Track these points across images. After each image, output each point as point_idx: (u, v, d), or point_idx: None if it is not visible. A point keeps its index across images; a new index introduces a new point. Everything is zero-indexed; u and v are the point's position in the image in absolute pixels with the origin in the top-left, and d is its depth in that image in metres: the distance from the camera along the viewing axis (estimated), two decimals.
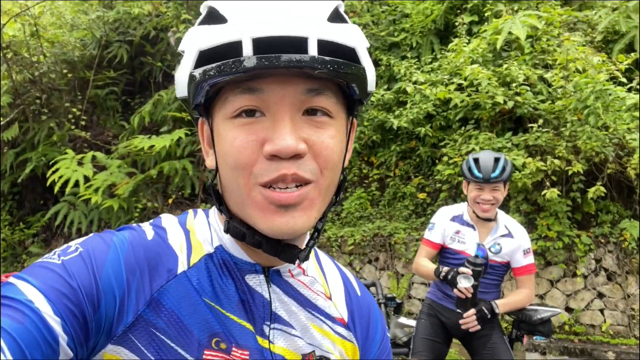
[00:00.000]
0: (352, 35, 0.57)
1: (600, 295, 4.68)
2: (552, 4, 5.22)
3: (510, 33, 4.84)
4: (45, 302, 0.49)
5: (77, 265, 0.53)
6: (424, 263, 2.54)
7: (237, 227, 0.59)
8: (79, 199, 6.54)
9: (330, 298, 0.70)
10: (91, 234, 0.60)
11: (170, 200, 6.54)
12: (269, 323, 0.62)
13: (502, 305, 2.34)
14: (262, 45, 0.52)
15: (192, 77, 0.55)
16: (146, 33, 7.29)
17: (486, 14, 5.38)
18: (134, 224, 0.64)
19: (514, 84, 4.67)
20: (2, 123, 6.70)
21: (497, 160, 2.38)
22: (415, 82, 5.39)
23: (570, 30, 5.12)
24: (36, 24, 7.01)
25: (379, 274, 5.60)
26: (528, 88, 4.68)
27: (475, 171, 2.38)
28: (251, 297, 0.62)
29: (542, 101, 4.70)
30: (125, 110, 7.79)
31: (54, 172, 6.43)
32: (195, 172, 6.44)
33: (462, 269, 2.22)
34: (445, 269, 2.32)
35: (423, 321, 2.58)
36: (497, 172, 2.35)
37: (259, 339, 0.61)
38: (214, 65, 0.53)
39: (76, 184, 6.35)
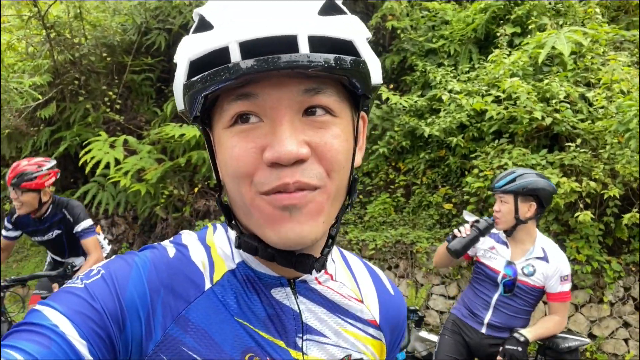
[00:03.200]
0: (348, 27, 0.53)
1: (626, 325, 4.53)
2: (599, 20, 5.06)
3: (553, 48, 4.71)
4: (70, 325, 0.50)
5: (100, 288, 0.53)
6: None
7: (248, 242, 0.58)
8: (108, 181, 6.67)
9: (362, 301, 0.68)
10: (114, 256, 0.59)
11: (195, 189, 6.61)
12: (301, 335, 0.61)
13: (530, 332, 2.29)
14: (251, 48, 0.49)
15: (185, 88, 0.54)
16: (185, 22, 7.37)
17: (530, 27, 5.25)
18: (156, 243, 0.62)
19: (553, 101, 4.55)
20: (40, 101, 6.87)
21: (513, 172, 2.41)
22: (450, 91, 5.30)
23: (616, 50, 4.95)
24: (80, 6, 7.16)
25: (398, 281, 5.55)
26: (568, 105, 4.56)
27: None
28: (281, 312, 0.60)
29: (582, 120, 4.57)
30: (159, 97, 7.91)
31: (86, 153, 6.58)
32: None
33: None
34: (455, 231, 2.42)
35: (446, 338, 2.54)
36: (502, 182, 2.39)
37: (293, 352, 0.60)
38: (204, 74, 0.51)
39: (107, 166, 6.48)
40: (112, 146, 6.67)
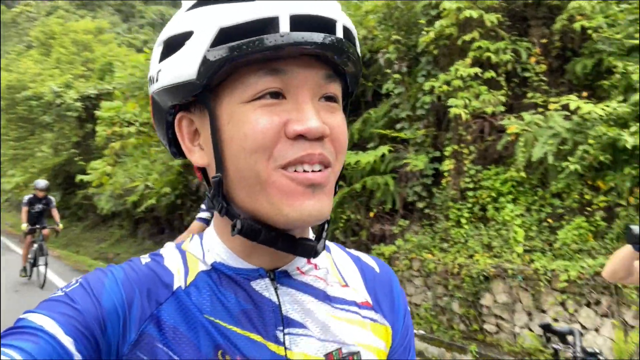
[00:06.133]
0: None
1: None
2: None
3: None
4: (55, 325, 0.52)
5: (79, 293, 0.56)
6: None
7: (252, 225, 0.56)
8: None
9: (346, 285, 0.67)
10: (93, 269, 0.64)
11: (372, 214, 6.79)
12: (281, 328, 0.59)
13: None
14: (297, 23, 0.51)
15: (208, 55, 0.52)
16: (362, 56, 7.77)
17: None
18: (132, 258, 0.65)
19: None
20: None
21: None
22: None
23: None
24: None
25: (601, 321, 4.69)
26: None
27: None
28: (260, 303, 0.59)
29: None
30: None
31: None
32: (396, 188, 6.54)
33: None
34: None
35: None
36: None
37: (273, 347, 0.58)
38: (247, 40, 0.51)
39: None
40: None
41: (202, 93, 0.55)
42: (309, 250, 0.58)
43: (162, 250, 0.66)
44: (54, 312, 0.53)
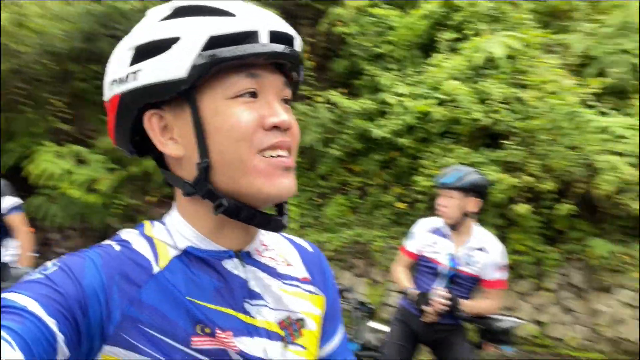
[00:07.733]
0: None
1: (568, 310, 4.84)
2: (526, 26, 5.40)
3: (489, 52, 5.01)
4: (38, 306, 0.53)
5: (60, 277, 0.58)
6: (400, 275, 2.72)
7: (236, 203, 0.65)
8: (57, 191, 6.47)
9: (290, 264, 0.78)
10: (65, 255, 0.64)
11: (150, 198, 6.53)
12: (248, 300, 0.68)
13: (465, 305, 2.47)
14: (272, 37, 0.63)
15: (199, 58, 0.61)
16: (132, 27, 7.25)
17: (467, 32, 5.53)
18: (102, 243, 0.67)
19: (492, 101, 4.83)
20: None
21: (459, 171, 2.56)
22: (400, 95, 5.51)
23: (549, 53, 5.31)
24: (24, 14, 6.94)
25: (357, 280, 5.68)
26: (506, 106, 4.85)
27: (438, 178, 2.62)
28: (231, 281, 0.68)
29: (522, 119, 4.86)
30: None
31: (32, 164, 6.36)
32: None
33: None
34: (413, 292, 2.56)
35: (395, 326, 2.69)
36: (450, 179, 2.53)
37: (242, 317, 0.67)
38: (235, 47, 0.61)
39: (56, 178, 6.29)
40: (60, 156, 6.47)
41: (187, 90, 0.62)
42: (280, 226, 0.68)
43: (123, 236, 0.67)
44: (36, 293, 0.54)
